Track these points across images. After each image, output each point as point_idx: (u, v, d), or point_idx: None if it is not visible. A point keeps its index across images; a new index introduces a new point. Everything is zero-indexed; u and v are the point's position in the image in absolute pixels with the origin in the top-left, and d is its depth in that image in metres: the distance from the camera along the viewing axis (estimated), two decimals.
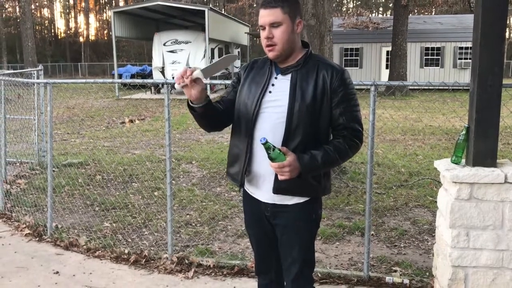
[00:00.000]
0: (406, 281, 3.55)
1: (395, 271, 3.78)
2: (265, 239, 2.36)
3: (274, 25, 2.07)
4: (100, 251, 4.21)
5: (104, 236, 4.58)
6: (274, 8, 2.07)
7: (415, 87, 18.23)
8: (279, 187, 2.15)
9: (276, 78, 2.19)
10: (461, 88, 3.67)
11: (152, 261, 3.99)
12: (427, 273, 3.66)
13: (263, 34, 2.11)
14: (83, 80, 4.35)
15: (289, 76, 2.16)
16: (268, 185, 2.18)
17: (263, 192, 2.22)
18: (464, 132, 2.89)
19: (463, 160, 2.94)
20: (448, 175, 2.76)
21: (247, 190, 2.33)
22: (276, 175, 2.12)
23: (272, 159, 1.97)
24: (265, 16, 2.09)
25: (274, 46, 2.10)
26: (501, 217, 2.73)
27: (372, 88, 3.46)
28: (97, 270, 3.89)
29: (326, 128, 2.18)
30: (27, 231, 4.69)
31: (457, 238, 2.77)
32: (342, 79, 2.12)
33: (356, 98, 2.19)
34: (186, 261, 3.90)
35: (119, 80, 4.51)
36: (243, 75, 2.31)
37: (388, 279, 3.59)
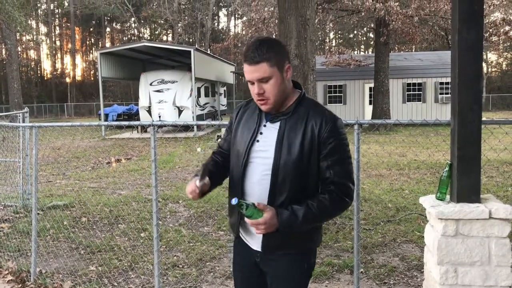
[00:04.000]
0: None
1: None
2: (252, 285, 2.28)
3: (263, 80, 1.97)
4: None
5: (89, 280, 4.48)
6: (259, 63, 1.95)
7: (398, 123, 18.49)
8: (268, 245, 2.10)
9: (265, 126, 2.09)
10: (443, 124, 3.76)
11: None
12: None
13: (253, 89, 2.01)
14: (69, 124, 4.36)
15: (277, 125, 2.06)
16: (259, 238, 2.12)
17: (255, 241, 2.15)
18: (447, 168, 2.94)
19: (448, 196, 2.98)
20: (434, 211, 2.79)
21: (241, 235, 2.26)
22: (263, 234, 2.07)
23: (247, 216, 1.92)
24: (252, 72, 1.97)
25: (267, 101, 2.01)
26: (488, 253, 2.75)
27: (356, 127, 3.52)
28: None
29: (317, 182, 2.07)
30: (9, 277, 4.57)
31: (445, 275, 2.77)
32: (332, 129, 2.00)
33: (347, 150, 2.05)
34: None
35: (105, 123, 4.54)
36: (235, 118, 2.23)
37: None
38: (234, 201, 1.87)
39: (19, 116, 7.82)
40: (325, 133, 1.98)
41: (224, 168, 2.25)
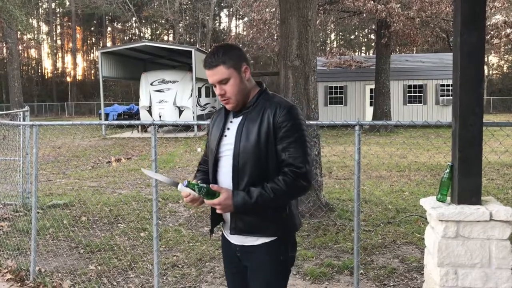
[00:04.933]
0: None
1: None
2: (240, 281, 2.34)
3: (222, 82, 2.14)
4: None
5: (88, 279, 4.48)
6: (216, 67, 2.12)
7: (399, 124, 18.51)
8: (236, 227, 2.19)
9: (231, 122, 2.25)
10: (444, 125, 3.75)
11: None
12: None
13: (216, 91, 2.19)
14: (70, 122, 4.35)
15: (240, 118, 2.21)
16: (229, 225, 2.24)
17: (229, 232, 2.26)
18: (448, 170, 2.94)
19: (448, 198, 2.97)
20: (434, 213, 2.79)
21: (223, 231, 2.38)
22: (231, 217, 2.19)
23: (204, 197, 2.08)
24: (211, 76, 2.15)
25: (228, 100, 2.17)
26: (488, 255, 2.74)
27: (357, 128, 3.52)
28: None
29: (277, 167, 2.14)
30: (8, 276, 4.56)
31: (445, 277, 2.77)
32: (287, 114, 2.10)
33: (304, 134, 2.12)
34: None
35: (106, 122, 4.53)
36: (211, 125, 2.38)
37: None
38: (184, 183, 2.00)
39: (20, 114, 7.81)
40: (280, 117, 2.08)
41: None
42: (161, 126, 3.89)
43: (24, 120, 7.46)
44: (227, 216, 2.24)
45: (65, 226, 6.14)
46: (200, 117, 22.09)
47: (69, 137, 19.15)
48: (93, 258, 5.08)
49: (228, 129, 2.24)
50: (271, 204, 2.09)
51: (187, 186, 2.00)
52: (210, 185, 2.07)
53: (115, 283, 4.42)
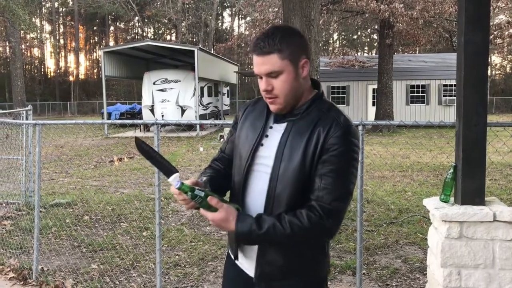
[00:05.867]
0: None
1: None
2: None
3: (272, 75, 1.67)
4: None
5: (91, 278, 4.48)
6: (269, 54, 1.65)
7: (402, 124, 18.51)
8: (263, 275, 1.77)
9: (271, 127, 1.78)
10: (447, 125, 3.74)
11: None
12: None
13: (261, 85, 1.72)
14: (73, 121, 4.36)
15: (283, 126, 1.75)
16: (253, 263, 1.81)
17: (250, 265, 1.82)
18: (451, 170, 2.93)
19: (452, 199, 2.97)
20: (438, 213, 2.78)
21: (230, 254, 1.93)
22: (257, 259, 1.76)
23: (198, 205, 1.66)
24: (260, 64, 1.68)
25: (275, 99, 1.71)
26: (492, 256, 2.74)
27: (360, 128, 3.51)
28: None
29: None
30: (11, 274, 4.57)
31: (449, 277, 2.76)
32: (342, 136, 1.64)
33: (352, 165, 1.67)
34: None
35: (108, 121, 4.53)
36: (241, 117, 1.92)
37: None
38: (176, 184, 1.61)
39: (23, 113, 7.83)
40: (331, 139, 1.64)
41: (228, 176, 1.92)
42: (164, 125, 3.88)
43: (27, 119, 7.47)
44: (249, 251, 1.80)
45: (68, 225, 6.15)
46: (202, 117, 22.10)
47: (72, 136, 19.18)
48: (96, 257, 5.09)
49: (267, 136, 1.77)
50: (282, 241, 1.65)
51: (179, 189, 1.60)
52: (208, 198, 1.62)
53: (117, 282, 4.42)
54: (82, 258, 5.09)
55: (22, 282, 4.43)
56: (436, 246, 2.86)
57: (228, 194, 1.93)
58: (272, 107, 1.75)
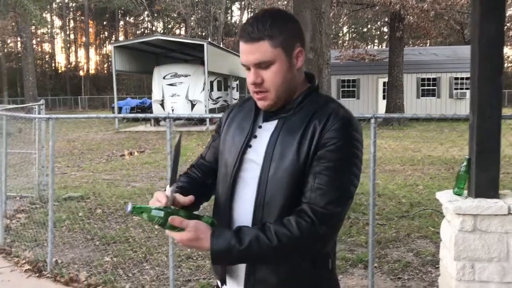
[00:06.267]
0: None
1: None
2: None
3: (261, 65, 1.43)
4: (100, 287, 4.15)
5: (104, 271, 4.53)
6: (258, 41, 1.41)
7: (415, 117, 18.39)
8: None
9: (260, 127, 1.53)
10: (459, 118, 3.72)
11: None
12: None
13: (249, 77, 1.47)
14: (85, 115, 4.40)
15: (273, 124, 1.50)
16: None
17: (238, 285, 1.53)
18: (465, 163, 2.92)
19: (465, 192, 2.95)
20: (451, 207, 2.77)
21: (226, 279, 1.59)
22: (245, 274, 1.49)
23: (161, 226, 1.39)
24: (248, 53, 1.43)
25: (265, 94, 1.46)
26: (506, 249, 2.73)
27: (373, 120, 3.50)
28: None
29: None
30: (26, 266, 4.64)
31: (462, 270, 2.76)
32: (340, 128, 1.39)
33: (353, 163, 1.41)
34: None
35: (121, 115, 4.58)
36: (225, 120, 1.66)
37: None
38: (127, 208, 1.35)
39: (35, 108, 7.91)
40: (328, 132, 1.39)
41: (205, 187, 1.67)
42: (176, 119, 3.89)
43: (39, 113, 7.54)
44: (236, 269, 1.52)
45: (81, 218, 6.21)
46: (212, 111, 22.11)
47: (83, 130, 19.32)
48: (109, 250, 5.14)
49: (255, 137, 1.52)
50: (269, 255, 1.37)
51: (132, 211, 1.33)
52: (170, 219, 1.35)
53: (130, 275, 4.47)
54: (95, 251, 5.14)
55: (37, 274, 4.50)
56: (449, 240, 2.85)
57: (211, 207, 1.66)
58: (261, 104, 1.49)
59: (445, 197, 2.94)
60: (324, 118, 1.41)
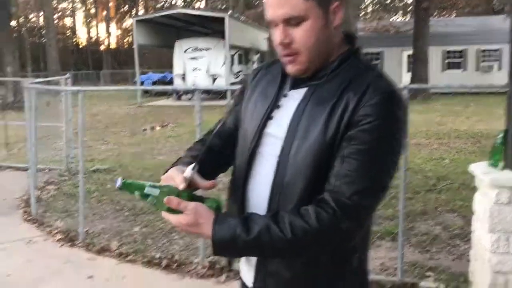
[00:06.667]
0: (442, 286, 3.50)
1: (428, 276, 3.74)
2: None
3: (291, 21, 1.19)
4: (131, 256, 4.25)
5: (134, 241, 4.63)
6: None
7: (437, 91, 18.02)
8: (263, 287, 1.31)
9: (285, 95, 1.31)
10: (484, 91, 3.61)
11: (183, 266, 4.02)
12: (462, 278, 3.60)
13: (276, 36, 1.23)
14: (115, 87, 4.45)
15: (301, 93, 1.26)
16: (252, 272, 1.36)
17: (249, 274, 1.36)
18: (501, 135, 2.85)
19: (501, 164, 2.90)
20: (487, 179, 2.73)
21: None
22: (257, 264, 1.31)
23: (155, 207, 1.21)
24: (275, 7, 1.19)
25: (295, 56, 1.23)
26: None
27: (405, 92, 3.45)
28: (129, 275, 3.93)
29: None
30: (59, 236, 4.77)
31: (497, 243, 2.73)
32: (379, 104, 1.14)
33: (393, 148, 1.17)
34: (218, 266, 3.91)
35: (149, 87, 4.65)
36: (251, 81, 1.44)
37: (422, 284, 3.55)
38: (117, 183, 1.16)
39: (61, 81, 8.00)
40: (364, 108, 1.14)
41: (222, 157, 1.47)
42: (204, 92, 3.88)
43: (66, 86, 7.63)
44: (248, 260, 1.36)
45: (110, 190, 6.33)
46: (232, 85, 22.08)
47: (106, 104, 19.51)
48: (138, 221, 5.24)
49: (279, 107, 1.30)
50: (282, 249, 1.16)
51: (121, 187, 1.15)
52: (166, 199, 1.15)
53: (160, 244, 4.56)
54: (125, 221, 5.25)
55: (69, 244, 4.62)
56: (483, 212, 2.82)
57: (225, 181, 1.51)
58: (290, 68, 1.26)
59: (480, 169, 2.90)
60: (361, 89, 1.16)
